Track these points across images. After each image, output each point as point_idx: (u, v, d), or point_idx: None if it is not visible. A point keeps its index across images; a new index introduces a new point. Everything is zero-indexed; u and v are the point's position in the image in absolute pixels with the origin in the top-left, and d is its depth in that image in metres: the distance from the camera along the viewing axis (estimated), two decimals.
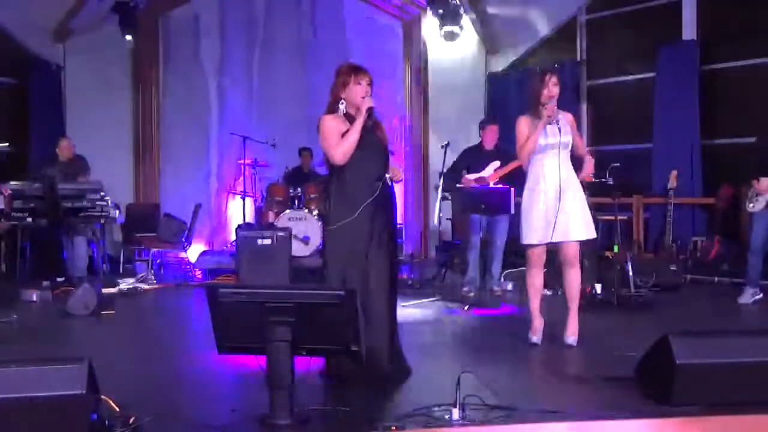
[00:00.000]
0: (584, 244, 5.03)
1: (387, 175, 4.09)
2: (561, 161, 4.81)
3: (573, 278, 4.88)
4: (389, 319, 4.06)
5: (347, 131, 4.01)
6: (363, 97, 4.04)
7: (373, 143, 4.09)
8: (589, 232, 4.85)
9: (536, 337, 5.01)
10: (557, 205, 4.75)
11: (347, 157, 4.01)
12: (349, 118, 4.06)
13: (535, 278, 4.99)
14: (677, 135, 8.64)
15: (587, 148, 5.06)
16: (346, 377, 3.92)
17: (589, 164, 5.07)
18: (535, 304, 5.02)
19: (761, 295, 6.56)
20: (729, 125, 8.49)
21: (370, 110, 4.04)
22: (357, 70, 4.12)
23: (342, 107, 4.07)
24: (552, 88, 4.81)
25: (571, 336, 4.89)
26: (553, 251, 5.01)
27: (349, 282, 3.90)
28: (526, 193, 4.90)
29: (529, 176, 4.92)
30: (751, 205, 6.52)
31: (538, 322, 5.02)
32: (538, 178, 4.85)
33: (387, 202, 4.14)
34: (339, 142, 4.00)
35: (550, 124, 4.77)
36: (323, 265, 4.18)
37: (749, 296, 6.54)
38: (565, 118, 4.89)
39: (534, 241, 4.87)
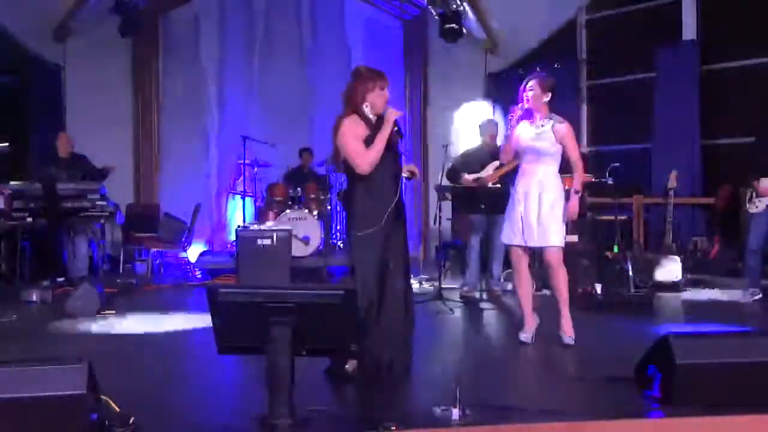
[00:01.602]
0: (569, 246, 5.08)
1: (404, 175, 4.12)
2: (534, 167, 4.86)
3: (556, 280, 4.91)
4: (408, 322, 4.10)
5: (368, 137, 4.00)
6: (387, 105, 4.06)
7: (392, 147, 4.10)
8: (553, 240, 4.81)
9: (526, 336, 5.01)
10: (529, 209, 4.80)
11: (374, 166, 4.00)
12: (368, 122, 4.05)
13: (520, 278, 5.03)
14: (677, 135, 8.65)
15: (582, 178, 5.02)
16: (348, 377, 3.93)
17: (573, 199, 4.91)
18: (524, 303, 5.05)
19: (761, 295, 6.56)
20: (729, 125, 8.49)
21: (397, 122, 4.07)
22: (381, 76, 4.09)
23: (368, 110, 4.04)
24: (527, 93, 4.86)
25: (566, 335, 4.90)
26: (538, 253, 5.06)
27: (379, 287, 3.95)
28: (511, 194, 4.99)
29: (515, 178, 5.01)
30: (755, 206, 6.52)
31: (529, 321, 5.04)
32: (518, 180, 4.94)
33: (401, 205, 4.16)
34: (365, 151, 3.98)
35: (514, 126, 4.86)
36: (351, 272, 4.14)
37: (749, 296, 6.54)
38: (555, 128, 4.84)
39: (508, 242, 4.98)
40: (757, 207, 6.51)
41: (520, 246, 4.91)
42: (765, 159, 6.52)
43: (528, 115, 4.88)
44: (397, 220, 4.09)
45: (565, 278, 4.91)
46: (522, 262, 4.98)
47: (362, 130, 4.02)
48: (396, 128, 4.06)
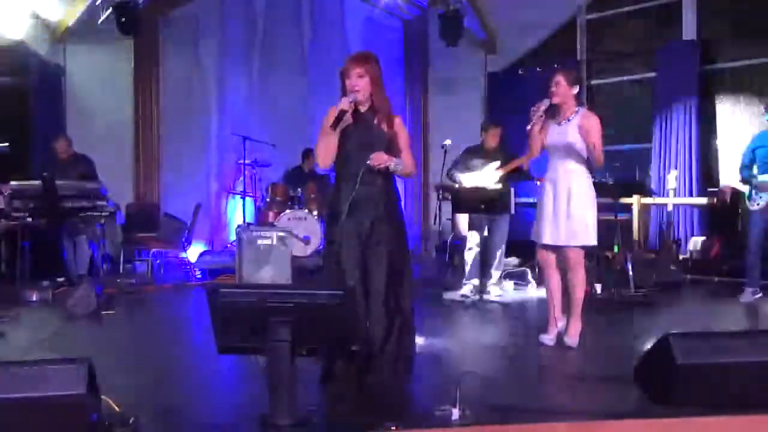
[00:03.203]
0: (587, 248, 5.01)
1: (369, 161, 3.79)
2: (561, 164, 4.80)
3: (573, 281, 4.85)
4: (387, 320, 3.85)
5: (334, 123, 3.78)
6: (349, 92, 3.79)
7: (365, 141, 3.85)
8: (586, 239, 4.76)
9: (548, 338, 4.94)
10: (555, 208, 4.76)
11: (325, 162, 3.85)
12: (355, 110, 3.86)
13: (549, 278, 4.98)
14: (677, 135, 8.66)
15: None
16: (343, 378, 3.86)
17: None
18: (550, 305, 4.98)
19: (761, 294, 6.56)
20: (729, 125, 8.50)
21: (340, 114, 3.74)
22: (346, 61, 3.86)
23: (342, 102, 3.79)
24: (552, 87, 4.80)
25: (571, 338, 4.88)
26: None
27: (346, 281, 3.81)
28: (541, 191, 4.96)
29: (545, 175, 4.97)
30: (756, 204, 6.51)
31: (552, 323, 4.97)
32: (545, 179, 4.88)
33: (374, 198, 3.86)
34: (318, 144, 3.86)
35: (535, 121, 4.78)
36: (323, 262, 4.07)
37: (749, 296, 6.54)
38: (579, 121, 4.75)
39: (536, 240, 4.92)
40: (758, 204, 6.49)
41: (546, 245, 4.87)
42: (762, 156, 6.51)
43: (556, 110, 4.81)
44: (366, 216, 3.84)
45: (582, 280, 4.85)
46: (548, 262, 4.92)
47: (345, 104, 3.78)
48: (339, 117, 3.73)
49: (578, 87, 4.82)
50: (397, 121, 3.95)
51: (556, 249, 4.87)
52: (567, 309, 4.96)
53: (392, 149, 3.92)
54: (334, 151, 3.85)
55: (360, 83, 3.81)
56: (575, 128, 4.74)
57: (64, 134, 8.28)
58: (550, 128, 4.84)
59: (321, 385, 3.88)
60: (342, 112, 3.75)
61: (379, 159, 3.80)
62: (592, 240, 4.78)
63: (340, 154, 3.87)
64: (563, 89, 4.76)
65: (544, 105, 4.78)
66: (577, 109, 4.81)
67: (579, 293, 4.87)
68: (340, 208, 3.85)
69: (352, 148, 3.86)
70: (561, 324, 4.98)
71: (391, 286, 3.86)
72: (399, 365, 3.96)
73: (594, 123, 4.72)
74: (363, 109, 3.89)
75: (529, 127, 4.84)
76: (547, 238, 4.81)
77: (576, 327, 4.89)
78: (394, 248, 3.90)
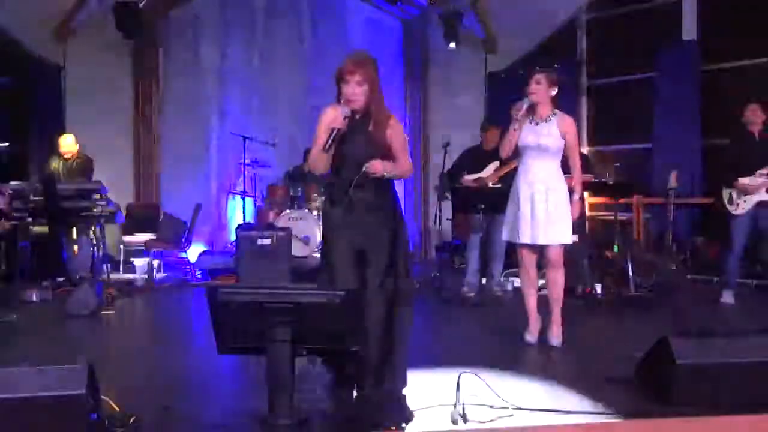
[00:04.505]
0: (569, 246, 5.02)
1: (364, 169, 3.61)
2: (537, 164, 4.79)
3: (555, 279, 4.89)
4: (380, 332, 3.62)
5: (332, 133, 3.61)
6: (346, 101, 3.60)
7: (359, 148, 3.69)
8: (561, 238, 4.76)
9: (531, 337, 4.99)
10: (537, 208, 4.75)
11: (319, 171, 3.76)
12: (352, 116, 3.67)
13: (525, 276, 5.00)
14: (677, 135, 8.65)
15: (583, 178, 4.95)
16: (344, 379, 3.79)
17: (573, 203, 4.81)
18: (528, 303, 5.01)
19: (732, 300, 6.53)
20: (729, 125, 8.48)
21: (334, 131, 3.57)
22: (344, 64, 3.62)
23: (342, 106, 3.64)
24: (531, 86, 4.78)
25: (555, 337, 4.89)
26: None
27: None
28: (514, 192, 4.92)
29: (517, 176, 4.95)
30: (741, 208, 6.43)
31: (533, 321, 5.00)
32: (518, 178, 4.89)
33: (370, 206, 3.72)
34: (312, 154, 3.76)
35: (519, 121, 4.76)
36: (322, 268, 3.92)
37: (731, 297, 6.51)
38: (559, 122, 4.76)
39: (514, 240, 4.92)
40: (743, 209, 6.43)
41: (527, 245, 4.86)
42: (743, 158, 6.48)
43: (532, 110, 4.81)
44: (362, 225, 3.69)
45: (562, 278, 4.88)
46: (530, 261, 4.93)
47: (336, 119, 3.61)
48: (333, 135, 3.57)
49: (557, 89, 4.80)
50: (393, 123, 3.73)
51: (537, 248, 4.88)
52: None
53: (388, 154, 3.74)
54: (329, 162, 3.71)
55: (358, 91, 3.60)
56: (551, 130, 4.75)
57: (70, 133, 8.26)
58: (525, 128, 4.81)
59: (321, 384, 3.81)
60: (336, 130, 3.58)
61: (375, 168, 3.64)
62: (567, 239, 4.82)
63: (333, 161, 3.73)
64: (543, 89, 4.76)
65: (525, 104, 4.77)
66: (553, 111, 4.81)
67: (559, 291, 4.90)
68: (333, 219, 3.76)
69: (345, 155, 3.71)
70: (539, 323, 5.01)
71: (387, 290, 3.69)
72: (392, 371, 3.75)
73: (574, 128, 4.83)
74: (359, 115, 3.71)
75: (512, 127, 4.83)
76: (528, 238, 4.81)
77: (558, 325, 4.90)
78: (391, 254, 3.72)
